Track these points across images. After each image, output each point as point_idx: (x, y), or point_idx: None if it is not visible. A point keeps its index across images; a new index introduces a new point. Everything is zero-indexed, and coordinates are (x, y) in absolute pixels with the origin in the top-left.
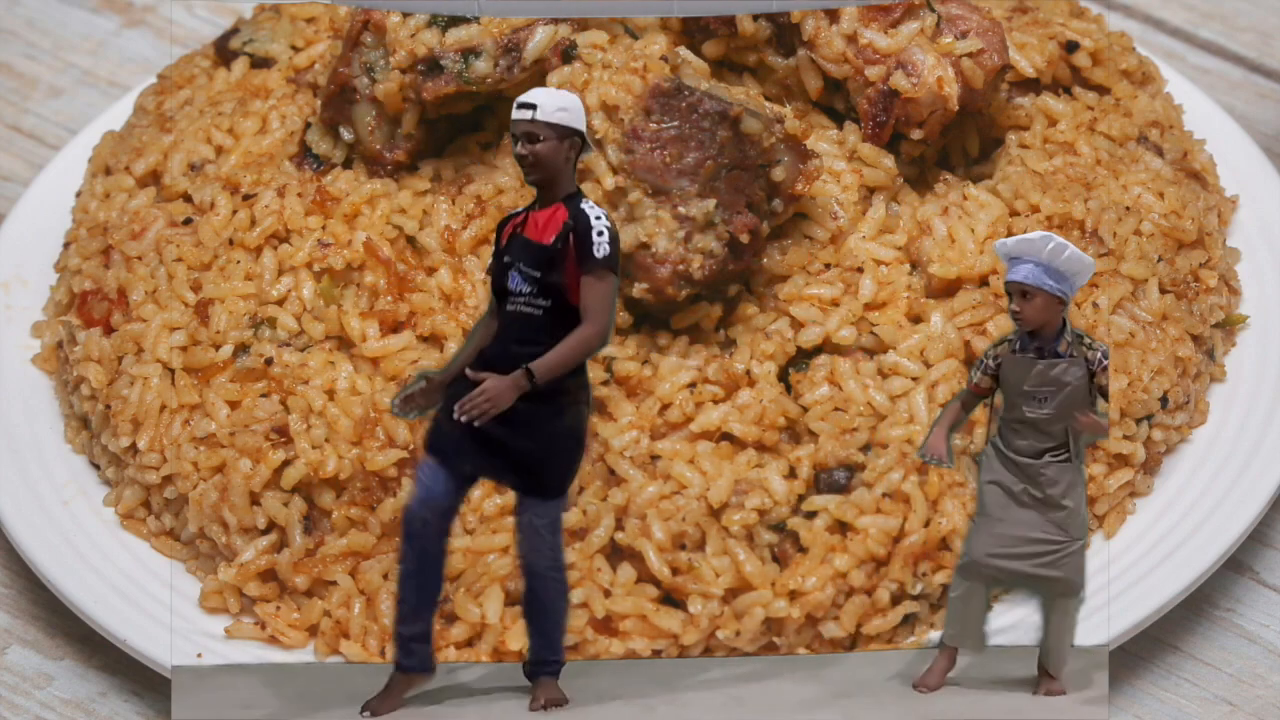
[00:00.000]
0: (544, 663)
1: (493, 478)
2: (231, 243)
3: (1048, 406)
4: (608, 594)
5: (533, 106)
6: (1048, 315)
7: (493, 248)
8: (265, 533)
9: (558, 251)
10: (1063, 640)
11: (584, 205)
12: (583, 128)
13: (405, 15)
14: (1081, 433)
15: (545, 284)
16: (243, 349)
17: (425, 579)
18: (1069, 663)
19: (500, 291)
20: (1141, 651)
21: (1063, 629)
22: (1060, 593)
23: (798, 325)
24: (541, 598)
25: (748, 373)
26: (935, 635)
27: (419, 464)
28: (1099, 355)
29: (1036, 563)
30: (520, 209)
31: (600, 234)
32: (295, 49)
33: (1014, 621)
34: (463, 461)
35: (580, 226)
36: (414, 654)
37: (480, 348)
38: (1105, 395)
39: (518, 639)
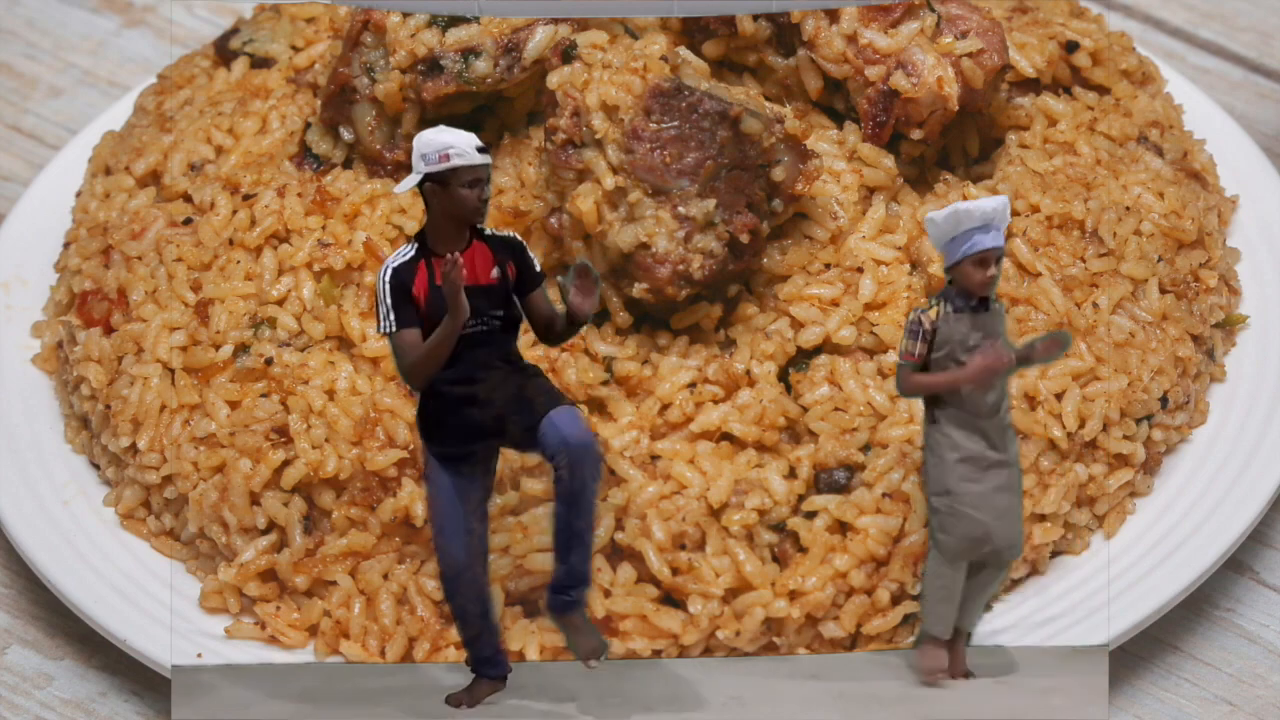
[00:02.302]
0: (575, 583)
1: (517, 428)
2: (231, 243)
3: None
4: (608, 594)
5: (487, 149)
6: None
7: (398, 309)
8: (265, 533)
9: (507, 289)
10: (980, 604)
11: (491, 234)
12: None
13: (405, 15)
14: (1047, 354)
15: (504, 318)
16: (243, 349)
17: (485, 597)
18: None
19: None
20: (1141, 651)
21: (985, 597)
22: (1001, 562)
23: (798, 325)
24: (586, 483)
25: (748, 373)
26: None
27: (432, 483)
28: (1004, 308)
29: (1004, 532)
30: (405, 265)
31: (528, 254)
32: (295, 49)
33: (1014, 621)
34: (477, 442)
35: (516, 247)
36: (500, 665)
37: None
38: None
39: (518, 639)
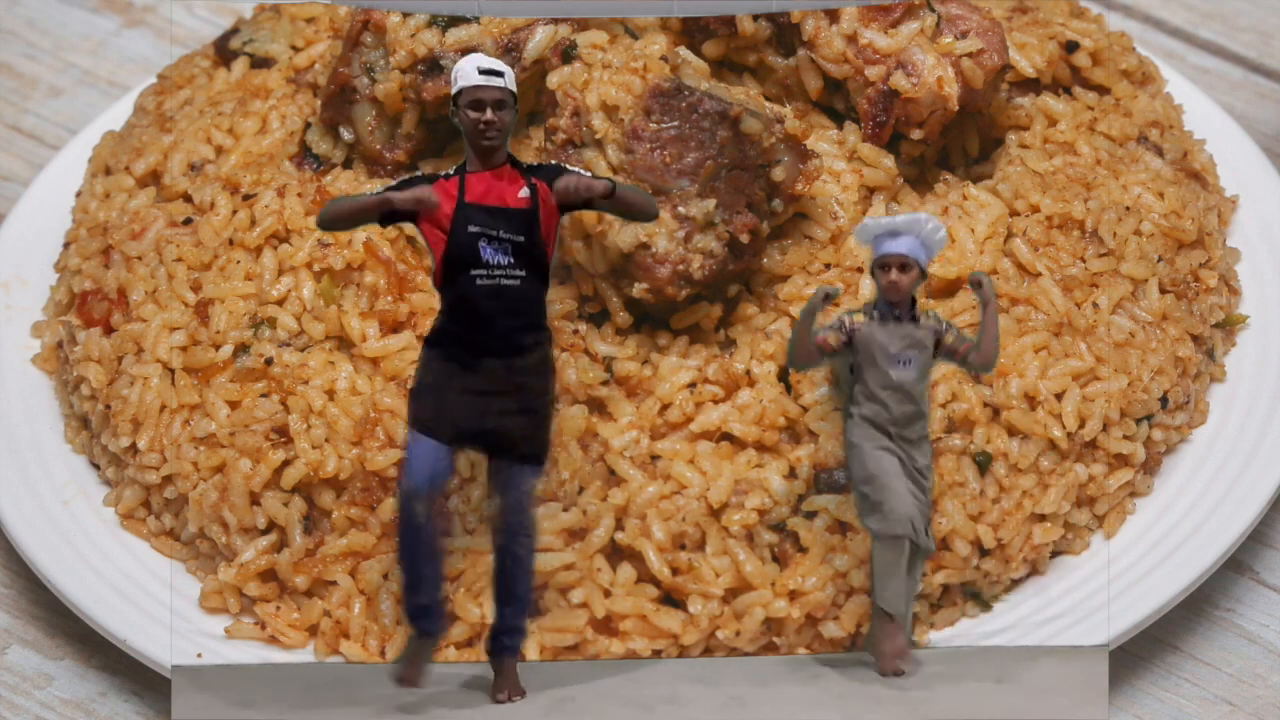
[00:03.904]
0: (511, 632)
1: (494, 447)
2: (231, 243)
3: (912, 369)
4: (608, 594)
5: (500, 73)
6: (913, 288)
7: (387, 204)
8: (265, 533)
9: (535, 212)
10: (911, 589)
11: (532, 165)
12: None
13: (405, 15)
14: (988, 364)
15: (526, 249)
16: (243, 349)
17: (436, 548)
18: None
19: (462, 264)
20: (1141, 651)
21: (916, 582)
22: (924, 554)
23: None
24: (520, 556)
25: (748, 373)
26: (934, 635)
27: (411, 440)
28: (942, 324)
29: (918, 524)
30: (439, 175)
31: (574, 173)
32: (295, 49)
33: (1014, 621)
34: (458, 432)
35: (558, 176)
36: (435, 618)
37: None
38: (954, 358)
39: None
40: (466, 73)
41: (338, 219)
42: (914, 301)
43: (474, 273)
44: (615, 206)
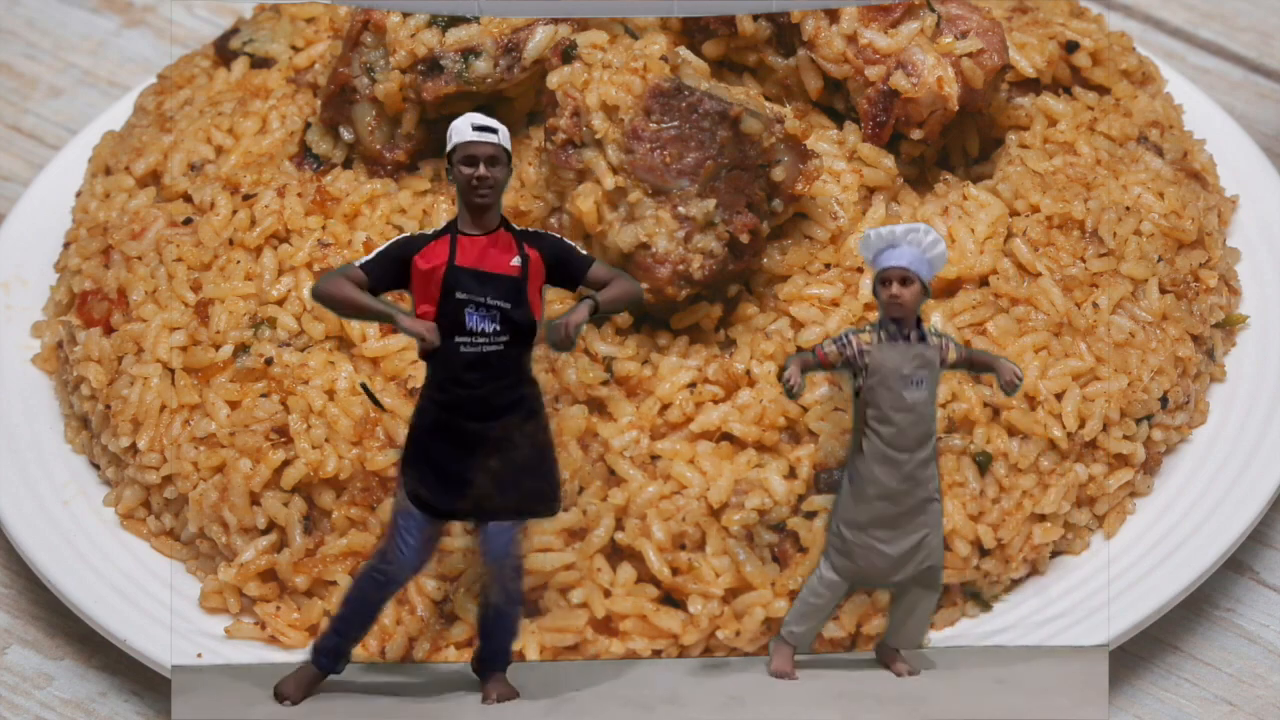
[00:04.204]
0: (497, 660)
1: (494, 507)
2: (231, 243)
3: (924, 389)
4: (608, 594)
5: (494, 130)
6: (916, 303)
7: (380, 259)
8: (265, 533)
9: (523, 281)
10: (923, 626)
11: (526, 231)
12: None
13: (405, 15)
14: (1000, 370)
15: (512, 316)
16: (243, 349)
17: (378, 611)
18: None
19: (448, 332)
20: (1141, 651)
21: (925, 617)
22: (928, 584)
23: (798, 325)
24: (507, 618)
25: (748, 373)
26: (934, 635)
27: (406, 519)
28: (945, 341)
29: (921, 563)
30: (423, 236)
31: (566, 244)
32: (295, 49)
33: (1014, 621)
34: (449, 509)
35: (552, 247)
36: (338, 660)
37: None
38: (969, 365)
39: (518, 639)
40: (460, 129)
41: (334, 306)
42: (919, 320)
43: (458, 340)
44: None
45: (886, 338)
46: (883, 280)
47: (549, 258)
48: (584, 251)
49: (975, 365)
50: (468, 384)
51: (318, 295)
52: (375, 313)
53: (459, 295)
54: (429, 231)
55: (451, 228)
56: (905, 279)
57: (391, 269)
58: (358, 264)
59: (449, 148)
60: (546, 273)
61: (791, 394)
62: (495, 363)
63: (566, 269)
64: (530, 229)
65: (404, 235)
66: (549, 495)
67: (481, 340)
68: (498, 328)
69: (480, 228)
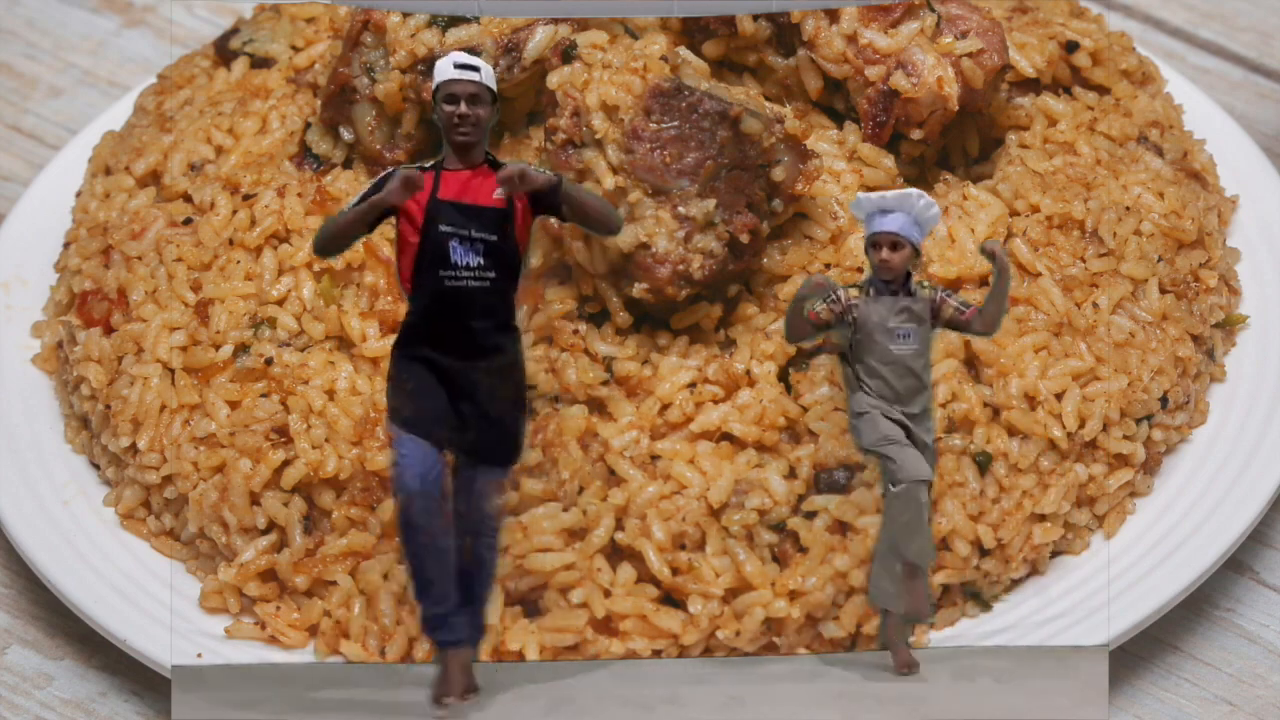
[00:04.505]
0: (471, 600)
1: (460, 449)
2: (231, 243)
3: (912, 341)
4: (608, 594)
5: (475, 69)
6: (906, 265)
7: (378, 207)
8: (265, 533)
9: (509, 212)
10: (920, 529)
11: (506, 160)
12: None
13: (405, 15)
14: (990, 328)
15: (498, 249)
16: (243, 349)
17: (446, 548)
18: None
19: (431, 264)
20: (1141, 651)
21: (918, 519)
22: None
23: None
24: (480, 555)
25: (748, 373)
26: (934, 635)
27: (398, 442)
28: (938, 293)
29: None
30: (409, 168)
31: (547, 175)
32: (295, 49)
33: (1014, 621)
34: (439, 431)
35: (528, 172)
36: (457, 627)
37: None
38: (956, 326)
39: (518, 639)
40: (442, 68)
41: (333, 240)
42: (909, 275)
43: (442, 273)
44: (571, 208)
45: (874, 293)
46: (874, 244)
47: (501, 175)
48: (552, 173)
49: (964, 318)
50: (451, 317)
51: (319, 248)
52: (362, 211)
53: (442, 228)
54: (413, 166)
55: (437, 164)
56: (895, 244)
57: (391, 196)
58: (346, 207)
59: (433, 87)
60: (531, 203)
61: (801, 334)
62: (480, 298)
63: (549, 194)
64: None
65: (387, 170)
66: (515, 447)
67: (466, 274)
68: (482, 261)
69: (464, 163)
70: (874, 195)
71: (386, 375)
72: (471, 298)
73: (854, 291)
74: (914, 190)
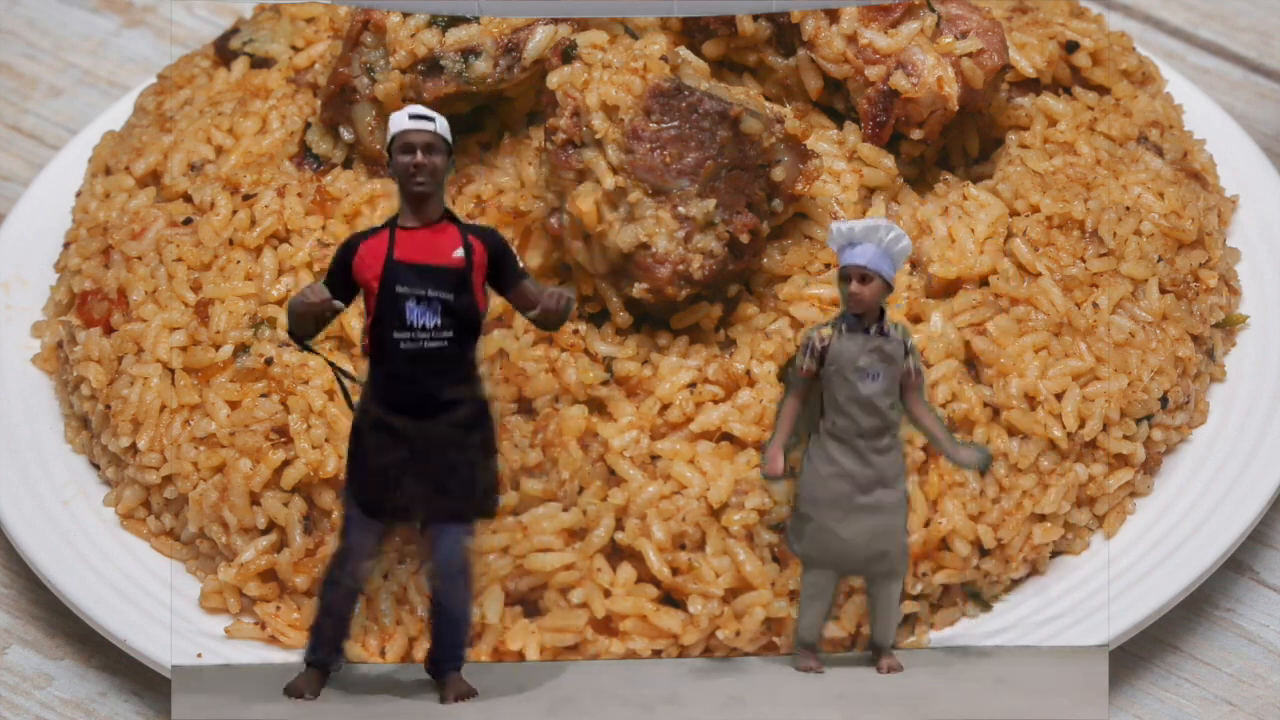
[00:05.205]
0: (449, 660)
1: (424, 508)
2: (231, 243)
3: (880, 381)
4: (608, 594)
5: (430, 119)
6: (877, 299)
7: (330, 274)
8: (265, 533)
9: (468, 272)
10: (890, 618)
11: (468, 224)
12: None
13: (405, 15)
14: (909, 414)
15: (455, 309)
16: (243, 349)
17: (352, 605)
18: (894, 638)
19: (387, 326)
20: (1141, 651)
21: (891, 607)
22: (885, 574)
23: (798, 325)
24: (446, 609)
25: (748, 373)
26: (934, 635)
27: (349, 528)
28: (910, 342)
29: (876, 548)
30: (365, 234)
31: (509, 249)
32: (295, 49)
33: (1014, 621)
34: (395, 512)
35: (495, 244)
36: (330, 658)
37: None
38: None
39: (518, 639)
40: (397, 120)
41: (300, 326)
42: (882, 313)
43: (397, 335)
44: (519, 302)
45: (846, 329)
46: (844, 277)
47: (492, 252)
48: (521, 265)
49: (907, 385)
50: (408, 379)
51: (293, 332)
52: (317, 308)
53: (399, 289)
54: (365, 230)
55: (391, 223)
56: (864, 276)
57: (344, 277)
58: (321, 284)
59: (388, 140)
60: (488, 266)
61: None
62: (436, 359)
63: (501, 270)
64: (475, 223)
65: (343, 240)
66: (485, 499)
67: (422, 335)
68: (439, 321)
69: (420, 219)
70: (844, 226)
71: (347, 448)
72: (428, 359)
73: (827, 330)
74: (882, 221)
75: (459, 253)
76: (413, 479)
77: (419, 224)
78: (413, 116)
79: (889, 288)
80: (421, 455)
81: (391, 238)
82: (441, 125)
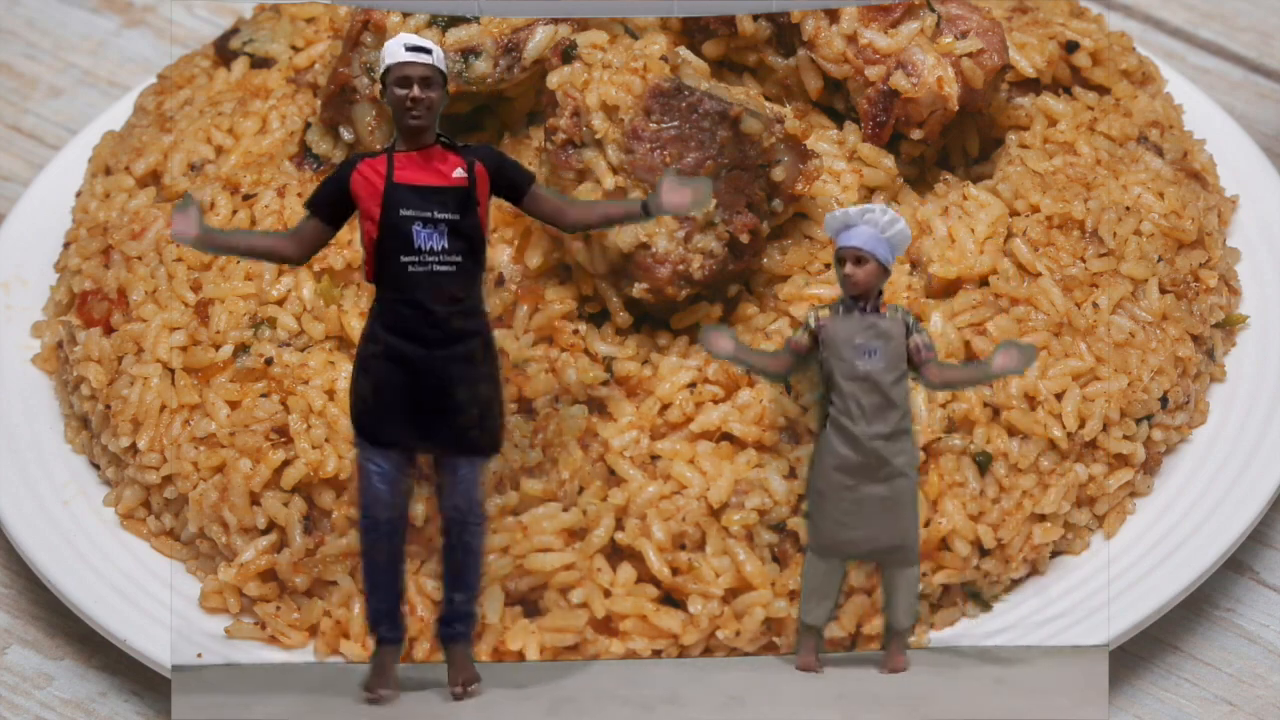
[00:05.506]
0: (461, 619)
1: (436, 443)
2: None
3: (878, 358)
4: (608, 594)
5: (427, 50)
6: (874, 282)
7: (323, 191)
8: (265, 533)
9: (471, 190)
10: (908, 601)
11: (462, 145)
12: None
13: (405, 15)
14: (934, 384)
15: (463, 230)
16: (243, 349)
17: (398, 560)
18: (911, 628)
19: (394, 251)
20: (1141, 651)
21: (907, 590)
22: (900, 561)
23: (798, 325)
24: (470, 544)
25: (748, 372)
26: (934, 635)
27: (366, 460)
28: (912, 319)
29: (884, 537)
30: (356, 157)
31: (508, 158)
32: (295, 49)
33: (1014, 621)
34: (409, 439)
35: (493, 158)
36: (398, 626)
37: (265, 251)
38: (911, 361)
39: (518, 639)
40: (393, 50)
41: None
42: (879, 294)
43: (404, 259)
44: (534, 205)
45: (843, 311)
46: (839, 259)
47: (492, 167)
48: (526, 167)
49: (919, 358)
50: (418, 304)
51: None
52: (244, 246)
53: (403, 212)
54: (363, 154)
55: (389, 148)
56: (859, 258)
57: (335, 199)
58: (305, 205)
59: (381, 69)
60: (491, 183)
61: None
62: (446, 283)
63: (510, 178)
64: (470, 144)
65: (340, 162)
66: (494, 434)
67: (431, 259)
68: (446, 244)
69: (415, 147)
70: (838, 211)
71: (351, 378)
72: (438, 282)
73: (825, 312)
74: (878, 205)
75: (459, 172)
76: (428, 410)
77: (414, 149)
78: (409, 48)
79: (885, 271)
80: (436, 387)
81: (390, 162)
82: (438, 56)
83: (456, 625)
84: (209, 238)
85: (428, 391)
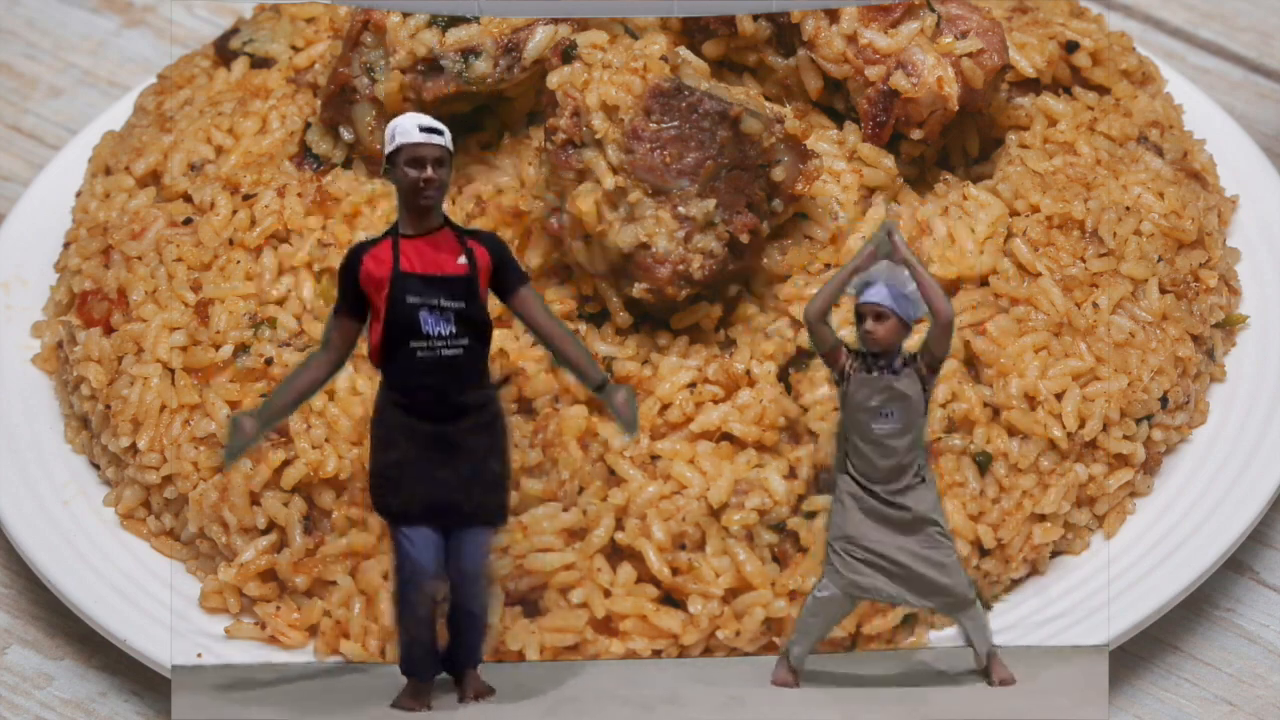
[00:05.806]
0: (466, 659)
1: (448, 513)
2: (231, 243)
3: (893, 421)
4: (608, 594)
5: (440, 132)
6: (895, 338)
7: (343, 293)
8: (265, 533)
9: (474, 279)
10: (983, 636)
11: (468, 229)
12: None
13: (405, 15)
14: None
15: (468, 316)
16: (243, 349)
17: (436, 613)
18: (998, 657)
19: (402, 336)
20: (1141, 651)
21: (980, 630)
22: (955, 608)
23: (798, 325)
24: (472, 610)
25: (748, 373)
26: (934, 635)
27: (404, 534)
28: (930, 374)
29: (915, 586)
30: (365, 245)
31: (511, 254)
32: (295, 49)
33: (1014, 621)
34: (437, 509)
35: (496, 248)
36: (432, 667)
37: (311, 387)
38: (928, 363)
39: (518, 639)
40: (406, 129)
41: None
42: (899, 350)
43: (414, 345)
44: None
45: (862, 368)
46: (860, 315)
47: (495, 259)
48: (522, 270)
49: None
50: (427, 387)
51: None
52: (289, 396)
53: (410, 299)
54: (366, 238)
55: (392, 231)
56: (879, 315)
57: (354, 293)
58: (336, 315)
59: (391, 148)
60: (491, 274)
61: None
62: (454, 366)
63: (503, 274)
64: (474, 228)
65: (346, 251)
66: (504, 506)
67: (439, 344)
68: (454, 329)
69: (421, 228)
70: (850, 265)
71: (369, 457)
72: (446, 366)
73: (854, 360)
74: (904, 272)
75: (461, 260)
76: (440, 483)
77: (419, 232)
78: (423, 129)
79: (906, 328)
80: (445, 459)
81: (395, 248)
82: (448, 138)
83: (459, 660)
84: (263, 420)
85: (439, 465)
